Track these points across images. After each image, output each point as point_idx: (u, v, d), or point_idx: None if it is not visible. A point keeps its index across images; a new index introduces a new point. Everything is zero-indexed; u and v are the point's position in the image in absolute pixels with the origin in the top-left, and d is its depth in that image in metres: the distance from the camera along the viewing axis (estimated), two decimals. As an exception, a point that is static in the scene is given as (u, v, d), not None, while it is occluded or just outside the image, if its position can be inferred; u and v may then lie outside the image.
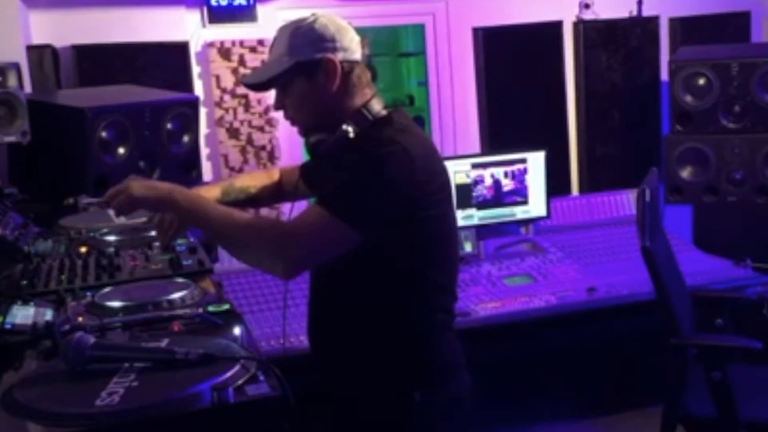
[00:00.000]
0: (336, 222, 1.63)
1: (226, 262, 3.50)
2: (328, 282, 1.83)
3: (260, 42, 4.21)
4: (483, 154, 4.16)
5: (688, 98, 4.03)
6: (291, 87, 1.77)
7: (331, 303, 1.84)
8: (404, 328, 1.77)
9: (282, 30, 1.79)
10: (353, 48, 1.75)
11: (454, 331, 1.88)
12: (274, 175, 2.18)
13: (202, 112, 3.82)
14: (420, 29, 4.67)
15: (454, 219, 1.83)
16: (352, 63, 1.75)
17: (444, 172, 1.78)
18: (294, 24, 1.78)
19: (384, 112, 1.79)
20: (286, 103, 1.80)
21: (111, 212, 2.15)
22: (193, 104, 3.33)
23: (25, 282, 1.93)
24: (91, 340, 1.37)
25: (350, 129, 1.74)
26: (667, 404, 2.72)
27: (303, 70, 1.73)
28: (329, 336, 1.86)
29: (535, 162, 3.88)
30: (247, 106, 4.17)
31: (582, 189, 4.57)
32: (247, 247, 1.69)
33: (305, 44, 1.73)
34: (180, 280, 1.93)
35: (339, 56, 1.73)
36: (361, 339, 1.79)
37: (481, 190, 3.83)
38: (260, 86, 1.82)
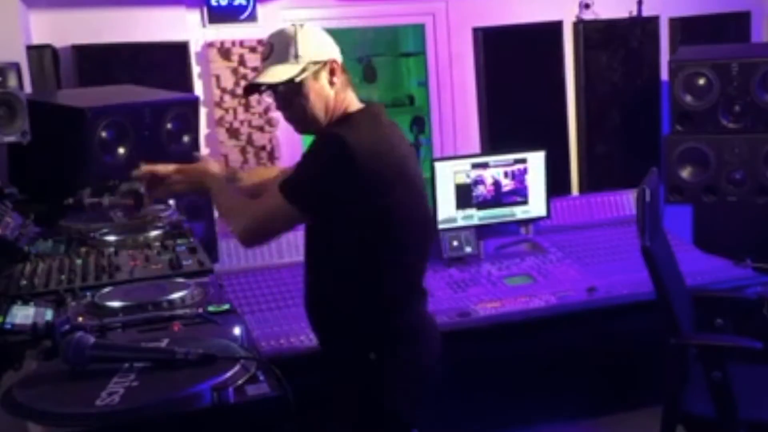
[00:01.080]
0: (284, 203, 1.94)
1: (226, 262, 3.51)
2: (310, 256, 2.12)
3: (260, 42, 4.20)
4: (483, 154, 4.16)
5: (688, 98, 4.03)
6: (303, 86, 1.97)
7: (313, 272, 2.12)
8: (367, 296, 2.01)
9: (279, 35, 2.00)
10: (337, 50, 2.02)
11: (421, 303, 2.12)
12: (273, 171, 2.46)
13: (202, 112, 3.82)
14: (420, 29, 4.67)
15: (418, 204, 2.06)
16: (342, 62, 2.03)
17: (400, 163, 1.99)
18: (290, 28, 1.99)
19: (352, 109, 2.04)
20: (294, 103, 2.01)
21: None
22: (193, 104, 3.33)
23: (25, 282, 1.93)
24: (91, 340, 1.37)
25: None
26: (667, 404, 2.72)
27: (314, 69, 1.96)
28: (314, 302, 2.12)
29: (535, 162, 3.88)
30: (247, 106, 4.17)
31: (582, 189, 4.57)
32: (229, 221, 2.09)
33: (314, 44, 1.97)
34: (180, 280, 1.93)
35: (337, 57, 2.02)
36: (333, 303, 2.06)
37: (481, 190, 3.84)
38: (269, 87, 2.02)
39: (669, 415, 2.70)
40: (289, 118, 2.06)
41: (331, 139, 1.91)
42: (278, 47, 1.97)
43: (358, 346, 2.01)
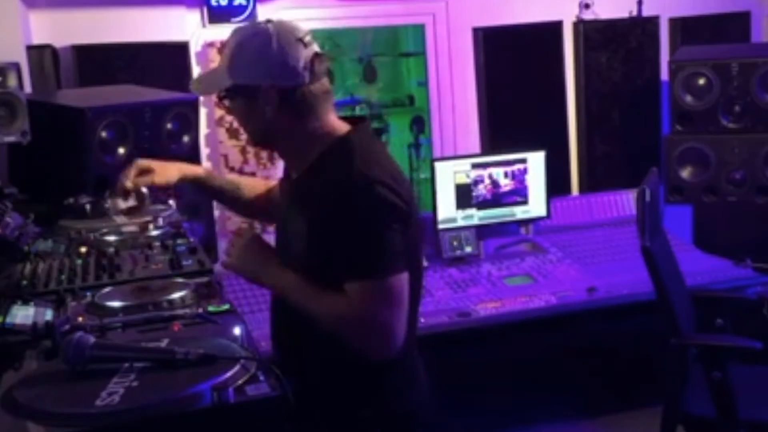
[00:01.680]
0: (391, 280, 1.63)
1: (226, 262, 3.50)
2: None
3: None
4: (483, 154, 4.16)
5: (688, 98, 4.03)
6: (232, 103, 1.75)
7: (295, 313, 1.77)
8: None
9: (230, 38, 1.73)
10: (298, 69, 1.66)
11: (414, 349, 1.84)
12: (270, 185, 2.15)
13: (202, 112, 3.82)
14: (420, 29, 4.67)
15: (416, 234, 1.77)
16: (296, 86, 1.67)
17: (407, 182, 1.77)
18: (241, 36, 1.71)
19: (343, 131, 1.75)
20: (235, 116, 1.80)
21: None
22: (193, 104, 3.33)
23: (25, 282, 1.92)
24: (91, 340, 1.37)
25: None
26: (667, 404, 2.72)
27: (242, 92, 1.71)
28: (293, 343, 1.82)
29: (535, 162, 3.88)
30: (247, 106, 4.18)
31: (582, 189, 4.57)
32: (334, 331, 1.67)
33: (247, 65, 1.68)
34: (180, 280, 1.93)
35: (280, 82, 1.67)
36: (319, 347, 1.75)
37: (481, 190, 3.83)
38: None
39: (669, 415, 2.71)
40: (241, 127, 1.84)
41: (369, 185, 1.63)
42: (226, 50, 1.74)
43: (346, 402, 1.76)
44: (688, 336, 2.71)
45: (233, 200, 2.14)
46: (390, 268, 1.63)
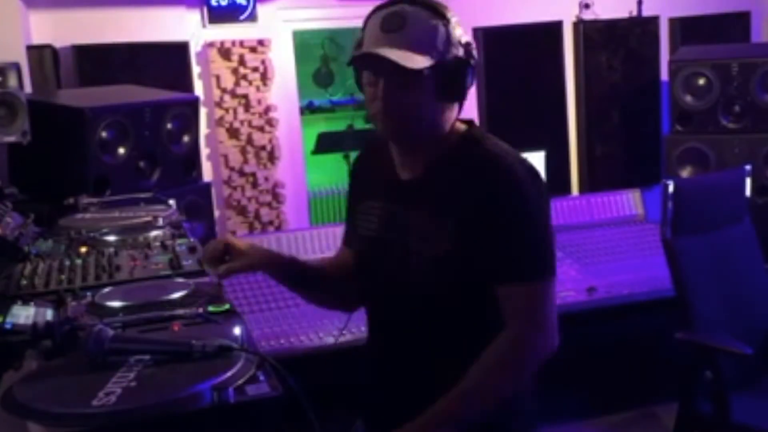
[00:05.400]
0: (550, 282, 1.66)
1: (226, 262, 3.50)
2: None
3: (260, 42, 4.20)
4: (483, 154, 4.16)
5: (688, 98, 4.03)
6: (417, 84, 1.53)
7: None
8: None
9: (425, 17, 1.54)
10: (470, 48, 1.58)
11: None
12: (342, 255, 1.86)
13: (202, 112, 3.82)
14: (420, 29, 4.67)
15: None
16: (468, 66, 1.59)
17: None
18: (438, 14, 1.54)
19: (463, 128, 1.66)
20: (398, 99, 1.54)
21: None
22: (193, 104, 3.33)
23: (25, 282, 1.92)
24: (110, 332, 1.39)
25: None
26: (680, 403, 2.71)
27: (439, 71, 1.53)
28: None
29: (535, 162, 3.87)
30: (247, 106, 4.17)
31: (582, 189, 4.57)
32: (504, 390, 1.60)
33: (448, 45, 1.54)
34: (180, 280, 1.92)
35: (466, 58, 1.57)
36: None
37: (481, 190, 3.83)
38: (393, 70, 1.51)
39: (683, 412, 2.70)
40: (393, 113, 1.55)
41: (525, 170, 1.63)
42: (408, 28, 1.54)
43: None
44: (687, 336, 2.70)
45: (316, 280, 1.84)
46: (550, 267, 1.64)
